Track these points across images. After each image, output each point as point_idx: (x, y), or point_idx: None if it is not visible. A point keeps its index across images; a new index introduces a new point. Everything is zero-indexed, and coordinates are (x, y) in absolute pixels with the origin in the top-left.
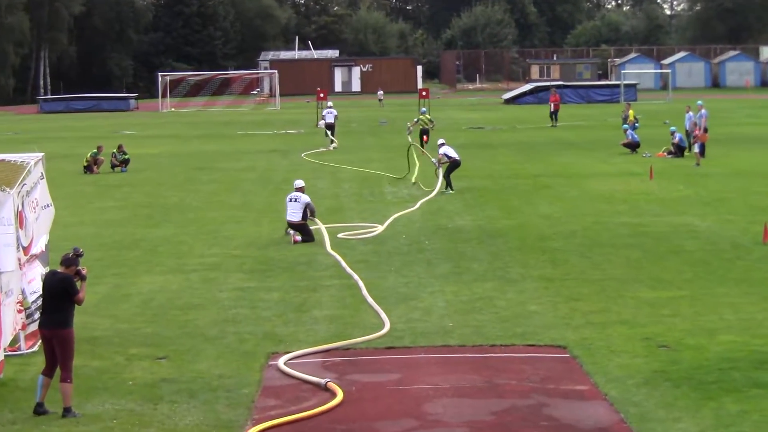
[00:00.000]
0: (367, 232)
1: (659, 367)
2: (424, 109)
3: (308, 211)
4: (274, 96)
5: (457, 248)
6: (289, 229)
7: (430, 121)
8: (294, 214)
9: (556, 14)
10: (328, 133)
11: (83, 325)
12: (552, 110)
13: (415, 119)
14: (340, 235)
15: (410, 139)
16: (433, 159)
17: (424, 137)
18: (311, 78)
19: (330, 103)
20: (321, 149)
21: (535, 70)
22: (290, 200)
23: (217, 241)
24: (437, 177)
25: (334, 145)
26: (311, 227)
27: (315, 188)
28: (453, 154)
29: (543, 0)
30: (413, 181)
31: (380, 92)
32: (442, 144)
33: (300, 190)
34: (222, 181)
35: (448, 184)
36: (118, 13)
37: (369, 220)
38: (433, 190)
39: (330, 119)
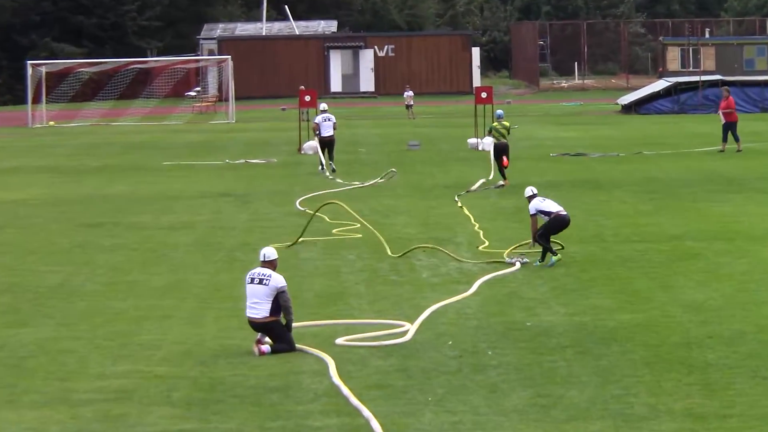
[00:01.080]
0: (386, 335)
1: None
2: (500, 111)
3: (281, 305)
4: (226, 99)
5: (541, 363)
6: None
7: (507, 130)
8: (257, 306)
9: None
10: (324, 155)
11: None
12: (724, 123)
13: (487, 129)
14: (339, 341)
15: (458, 198)
16: (510, 258)
17: (503, 158)
18: (290, 69)
19: (324, 106)
20: (362, 182)
21: (673, 55)
22: (252, 281)
23: (128, 350)
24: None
25: (329, 172)
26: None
27: (297, 259)
28: (552, 207)
29: None
30: (479, 247)
31: (409, 93)
32: (533, 195)
33: (269, 264)
34: (137, 247)
35: (547, 250)
36: None
37: (390, 315)
38: (512, 262)
39: (329, 131)
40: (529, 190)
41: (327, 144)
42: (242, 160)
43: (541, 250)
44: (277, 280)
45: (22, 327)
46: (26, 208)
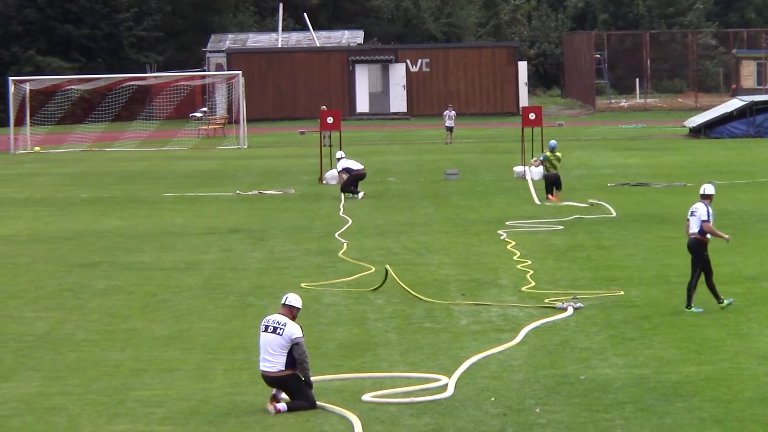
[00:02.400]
0: (420, 390)
1: None
2: (553, 142)
3: (296, 359)
4: (236, 122)
5: (596, 421)
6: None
7: (559, 161)
8: (271, 358)
9: None
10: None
11: None
12: None
13: (540, 156)
14: (366, 397)
15: (504, 235)
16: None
17: (553, 191)
18: (309, 86)
19: (341, 154)
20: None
21: (748, 71)
22: (266, 329)
23: (126, 407)
24: None
25: (359, 195)
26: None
27: (319, 304)
28: (692, 224)
29: None
30: (523, 288)
31: (450, 112)
32: (702, 194)
33: (288, 311)
34: (135, 290)
35: (689, 294)
36: None
37: (423, 367)
38: (564, 307)
39: (358, 165)
40: (702, 188)
41: (359, 178)
42: (255, 192)
43: None
44: (292, 329)
45: (4, 381)
46: (9, 246)
